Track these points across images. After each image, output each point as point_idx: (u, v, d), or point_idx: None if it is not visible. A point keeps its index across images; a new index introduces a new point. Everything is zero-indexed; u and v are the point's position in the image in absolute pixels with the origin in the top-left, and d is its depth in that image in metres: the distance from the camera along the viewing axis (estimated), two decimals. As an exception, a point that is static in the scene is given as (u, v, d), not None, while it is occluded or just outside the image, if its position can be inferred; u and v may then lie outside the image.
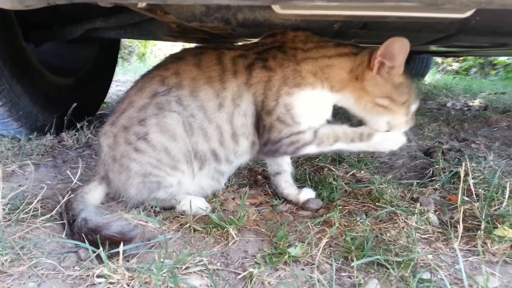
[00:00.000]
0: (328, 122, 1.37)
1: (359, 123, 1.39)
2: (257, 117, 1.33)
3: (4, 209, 1.24)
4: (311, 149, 1.35)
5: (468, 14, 1.07)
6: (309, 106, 1.31)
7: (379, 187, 1.51)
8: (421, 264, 1.09)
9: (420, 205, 1.41)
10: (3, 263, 1.02)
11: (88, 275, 0.99)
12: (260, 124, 1.33)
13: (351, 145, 1.34)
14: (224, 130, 1.33)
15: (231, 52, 1.35)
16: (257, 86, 1.30)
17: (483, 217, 1.26)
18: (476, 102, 4.12)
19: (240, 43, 1.61)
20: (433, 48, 2.39)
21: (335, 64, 1.31)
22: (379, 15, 1.16)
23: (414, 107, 1.36)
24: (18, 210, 1.27)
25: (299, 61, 1.30)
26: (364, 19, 1.30)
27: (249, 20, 1.31)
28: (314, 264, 1.08)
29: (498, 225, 1.23)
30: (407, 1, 0.76)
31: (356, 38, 1.64)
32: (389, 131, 1.35)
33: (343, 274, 1.06)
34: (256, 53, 1.34)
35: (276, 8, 1.15)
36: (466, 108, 3.77)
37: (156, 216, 1.33)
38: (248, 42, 1.49)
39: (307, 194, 1.48)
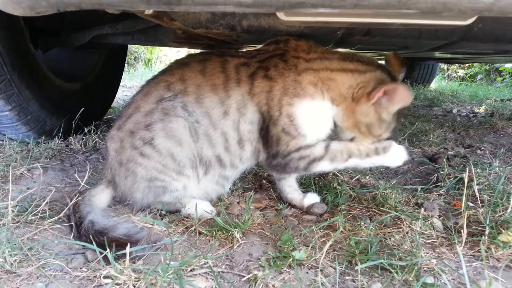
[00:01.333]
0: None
1: None
2: (264, 125, 1.33)
3: (13, 211, 1.26)
4: (324, 165, 1.34)
5: (470, 21, 1.08)
6: (311, 116, 1.32)
7: (384, 192, 1.52)
8: (425, 268, 1.10)
9: (425, 210, 1.41)
10: (12, 264, 1.03)
11: (95, 276, 1.01)
12: (269, 135, 1.33)
13: (366, 160, 1.35)
14: (230, 136, 1.34)
15: (234, 59, 1.36)
16: (260, 96, 1.31)
17: (488, 222, 1.26)
18: (482, 109, 4.11)
19: (244, 50, 1.63)
20: (437, 54, 2.40)
21: (337, 79, 1.31)
22: (382, 22, 1.17)
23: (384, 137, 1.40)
24: (27, 212, 1.29)
25: (300, 71, 1.30)
26: (368, 26, 1.32)
27: (254, 26, 1.33)
28: (318, 267, 1.08)
29: (502, 230, 1.23)
30: (407, 9, 0.77)
31: (360, 45, 1.65)
32: None
33: (347, 277, 1.06)
34: (259, 61, 1.35)
35: (281, 15, 1.17)
36: (472, 115, 3.76)
37: (162, 219, 1.34)
38: (251, 49, 1.51)
39: (312, 198, 1.49)
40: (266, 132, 1.33)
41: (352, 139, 1.39)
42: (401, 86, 1.23)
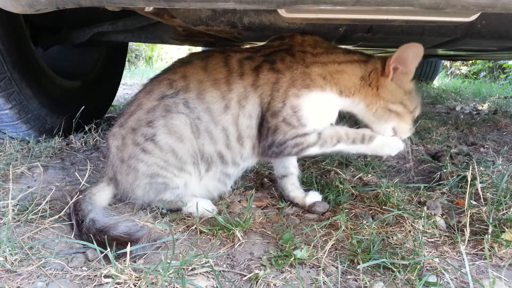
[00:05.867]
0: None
1: (366, 127, 1.41)
2: (261, 119, 1.34)
3: (13, 210, 1.26)
4: (314, 150, 1.36)
5: (473, 18, 1.07)
6: (317, 109, 1.32)
7: (386, 191, 1.51)
8: (428, 267, 1.09)
9: (427, 209, 1.40)
10: (12, 263, 1.03)
11: (95, 275, 1.00)
12: (264, 126, 1.33)
13: (352, 146, 1.36)
14: (230, 132, 1.34)
15: (237, 54, 1.36)
16: (264, 88, 1.31)
17: (491, 221, 1.25)
18: (485, 106, 4.09)
19: (247, 46, 1.62)
20: (440, 51, 2.38)
21: (346, 70, 1.32)
22: (385, 19, 1.16)
23: (417, 114, 1.41)
24: (27, 211, 1.28)
25: (309, 64, 1.31)
26: (370, 22, 1.30)
27: (255, 23, 1.32)
28: (320, 266, 1.08)
29: (506, 229, 1.22)
30: (409, 5, 0.76)
31: (362, 41, 1.64)
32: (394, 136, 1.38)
33: (349, 277, 1.06)
34: (263, 56, 1.35)
35: (282, 12, 1.16)
36: (475, 112, 3.74)
37: (162, 218, 1.34)
38: (255, 45, 1.50)
39: (314, 197, 1.48)
40: (262, 124, 1.34)
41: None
42: (405, 45, 1.24)
